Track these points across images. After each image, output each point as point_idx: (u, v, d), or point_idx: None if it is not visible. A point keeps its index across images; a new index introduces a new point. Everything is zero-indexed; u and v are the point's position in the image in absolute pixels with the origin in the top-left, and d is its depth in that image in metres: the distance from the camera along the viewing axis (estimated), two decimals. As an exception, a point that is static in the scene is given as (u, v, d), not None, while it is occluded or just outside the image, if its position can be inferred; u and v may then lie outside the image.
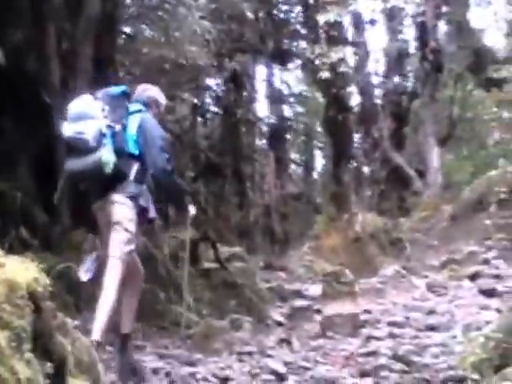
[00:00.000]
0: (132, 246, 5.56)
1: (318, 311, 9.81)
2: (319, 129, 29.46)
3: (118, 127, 5.67)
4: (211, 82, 22.07)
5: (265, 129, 26.81)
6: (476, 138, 29.98)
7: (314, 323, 9.40)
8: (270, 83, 26.46)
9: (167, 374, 6.10)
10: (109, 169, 5.45)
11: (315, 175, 33.60)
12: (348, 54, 18.51)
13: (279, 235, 22.85)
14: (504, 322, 5.74)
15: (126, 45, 12.95)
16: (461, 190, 18.99)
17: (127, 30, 13.70)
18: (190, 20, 12.73)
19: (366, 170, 24.90)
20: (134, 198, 5.60)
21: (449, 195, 21.08)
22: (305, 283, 13.50)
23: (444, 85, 25.64)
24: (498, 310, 8.26)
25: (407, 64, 26.05)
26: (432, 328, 8.49)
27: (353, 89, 21.45)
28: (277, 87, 27.10)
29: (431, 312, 9.60)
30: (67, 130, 5.59)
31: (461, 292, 11.10)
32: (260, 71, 26.22)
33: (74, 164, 5.58)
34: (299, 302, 10.80)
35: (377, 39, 30.48)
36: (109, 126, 5.62)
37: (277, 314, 10.13)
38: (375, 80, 26.31)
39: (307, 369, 6.64)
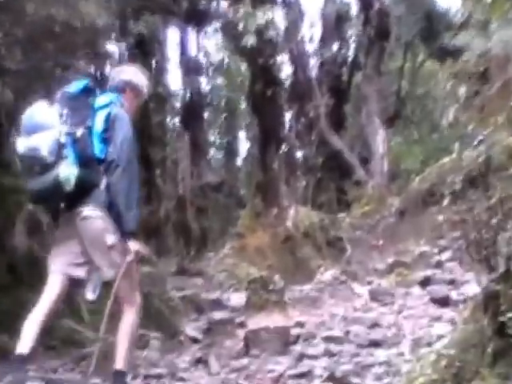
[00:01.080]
0: (130, 257, 5.65)
1: (242, 325, 9.85)
2: (244, 106, 29.57)
3: (80, 131, 5.70)
4: (113, 47, 21.82)
5: (178, 105, 26.70)
6: (428, 118, 30.54)
7: (237, 339, 9.43)
8: (184, 50, 26.32)
9: (56, 404, 6.03)
10: (69, 186, 5.53)
11: (239, 161, 33.73)
12: (278, 16, 18.56)
13: (195, 233, 22.83)
14: (458, 336, 5.83)
15: (6, 1, 12.71)
16: (410, 179, 19.33)
17: (8, -18, 13.44)
18: (86, -28, 12.58)
19: (299, 155, 25.06)
20: (105, 208, 5.66)
21: (396, 186, 21.47)
22: (226, 291, 13.53)
23: (391, 55, 26.01)
24: (452, 322, 8.41)
25: (348, 29, 26.29)
26: (375, 344, 8.61)
27: (283, 58, 21.56)
28: (192, 55, 27.00)
29: (375, 325, 9.73)
30: (20, 145, 5.64)
31: (409, 301, 11.30)
32: (172, 35, 26.11)
33: (33, 184, 5.64)
34: (219, 314, 10.83)
35: (312, -1, 30.66)
36: (68, 134, 5.64)
37: (191, 328, 10.12)
38: (310, 48, 26.50)
39: (227, 395, 6.67)
